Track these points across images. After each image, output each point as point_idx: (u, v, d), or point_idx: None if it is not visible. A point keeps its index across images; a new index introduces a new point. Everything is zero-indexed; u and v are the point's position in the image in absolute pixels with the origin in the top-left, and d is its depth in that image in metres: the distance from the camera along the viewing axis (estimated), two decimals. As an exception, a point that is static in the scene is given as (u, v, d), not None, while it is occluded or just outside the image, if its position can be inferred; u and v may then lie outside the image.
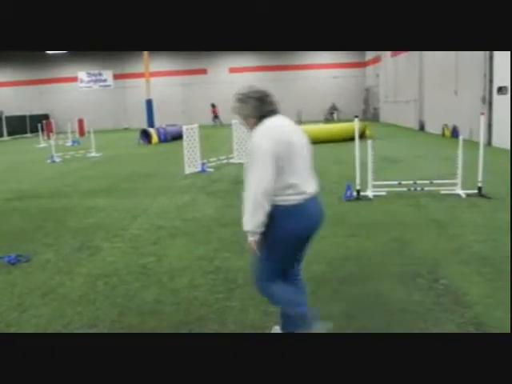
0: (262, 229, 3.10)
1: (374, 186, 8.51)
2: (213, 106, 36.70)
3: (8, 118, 34.51)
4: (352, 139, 8.62)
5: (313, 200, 3.25)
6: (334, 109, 36.44)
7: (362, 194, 8.33)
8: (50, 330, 4.03)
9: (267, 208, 3.06)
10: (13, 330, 4.09)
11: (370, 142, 8.34)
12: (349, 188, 8.29)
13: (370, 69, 35.71)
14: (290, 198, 3.13)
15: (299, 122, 29.97)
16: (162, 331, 3.88)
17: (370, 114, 35.15)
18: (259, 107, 3.19)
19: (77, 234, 7.08)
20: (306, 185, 3.22)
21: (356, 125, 8.49)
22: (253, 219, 3.06)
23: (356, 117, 8.57)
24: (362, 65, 37.29)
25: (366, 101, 36.77)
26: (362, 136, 17.22)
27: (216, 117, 36.40)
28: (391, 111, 29.78)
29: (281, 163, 3.06)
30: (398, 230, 6.45)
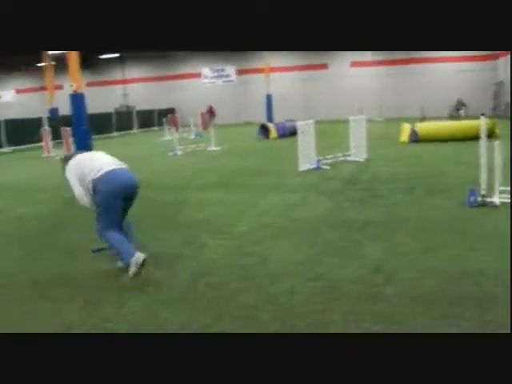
0: (92, 207, 5.32)
1: (502, 192, 7.71)
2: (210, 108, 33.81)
3: (138, 112, 36.60)
4: (479, 138, 7.87)
5: (122, 170, 5.31)
6: (461, 104, 34.19)
7: (487, 200, 7.58)
8: (142, 329, 4.00)
9: (86, 200, 5.28)
10: (109, 326, 4.11)
11: (497, 142, 7.57)
12: (472, 193, 7.58)
13: (501, 61, 33.12)
14: (100, 173, 5.12)
15: (423, 118, 28.53)
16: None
17: (500, 111, 32.61)
18: (67, 160, 5.47)
19: (185, 229, 7.13)
20: (112, 165, 5.25)
21: (483, 123, 7.74)
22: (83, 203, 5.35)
23: (482, 115, 7.81)
24: (493, 57, 34.66)
25: (497, 96, 34.16)
26: (491, 135, 15.92)
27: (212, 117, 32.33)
28: (527, 108, 27.37)
29: (84, 168, 5.23)
30: (528, 243, 5.71)
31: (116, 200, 5.17)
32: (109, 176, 5.13)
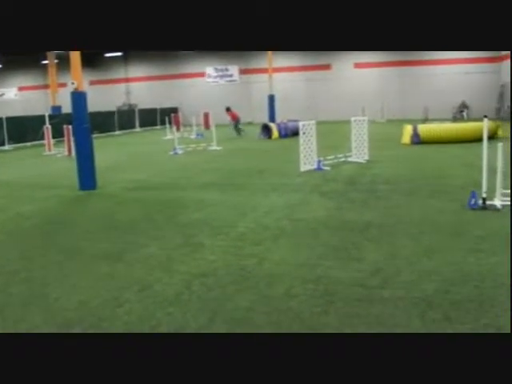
0: None
1: (504, 195, 7.64)
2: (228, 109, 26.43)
3: (141, 111, 36.52)
4: (481, 140, 7.80)
5: None
6: (464, 106, 34.13)
7: (488, 202, 7.51)
8: (138, 330, 3.94)
9: None
10: (104, 326, 4.06)
11: (500, 144, 7.50)
12: (473, 195, 7.51)
13: (506, 63, 32.95)
14: None
15: (426, 119, 28.45)
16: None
17: (504, 113, 32.48)
18: None
19: (183, 229, 7.07)
20: None
21: (485, 125, 7.67)
22: None
23: (485, 116, 7.74)
24: (498, 59, 34.51)
25: (501, 99, 34.03)
26: (493, 137, 15.85)
27: (236, 124, 25.90)
28: (530, 111, 27.22)
29: None
30: (529, 247, 5.65)
31: None
32: None
